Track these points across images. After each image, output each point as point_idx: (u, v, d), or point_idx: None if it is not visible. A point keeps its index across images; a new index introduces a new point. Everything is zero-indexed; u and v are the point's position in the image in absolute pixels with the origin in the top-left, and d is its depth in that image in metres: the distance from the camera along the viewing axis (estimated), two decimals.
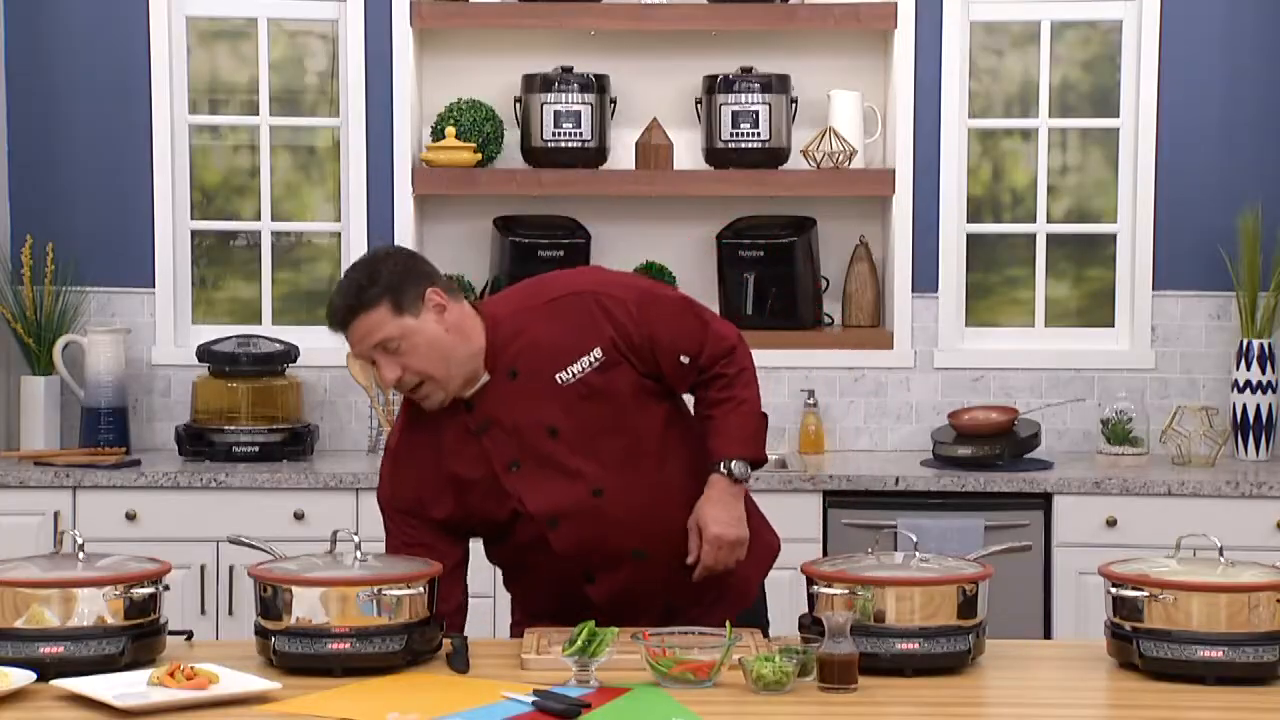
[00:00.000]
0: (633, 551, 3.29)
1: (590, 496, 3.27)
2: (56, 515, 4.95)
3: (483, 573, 3.54)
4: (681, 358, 3.32)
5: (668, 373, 3.33)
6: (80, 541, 3.11)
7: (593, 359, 3.27)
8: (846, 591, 3.01)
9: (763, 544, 3.47)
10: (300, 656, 2.95)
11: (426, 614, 3.04)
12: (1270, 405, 5.34)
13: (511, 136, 5.48)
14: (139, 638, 2.98)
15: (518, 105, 5.45)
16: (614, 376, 3.28)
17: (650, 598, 3.32)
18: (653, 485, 3.29)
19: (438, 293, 3.21)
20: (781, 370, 5.47)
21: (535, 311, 3.30)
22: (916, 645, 2.96)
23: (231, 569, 4.91)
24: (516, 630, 3.45)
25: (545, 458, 3.26)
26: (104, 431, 5.28)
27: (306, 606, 2.96)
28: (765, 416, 3.41)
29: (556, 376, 3.26)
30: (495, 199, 5.46)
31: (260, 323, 5.56)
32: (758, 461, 3.36)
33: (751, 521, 3.38)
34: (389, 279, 3.18)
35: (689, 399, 3.43)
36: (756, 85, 5.36)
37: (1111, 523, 4.94)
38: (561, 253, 5.33)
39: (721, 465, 3.29)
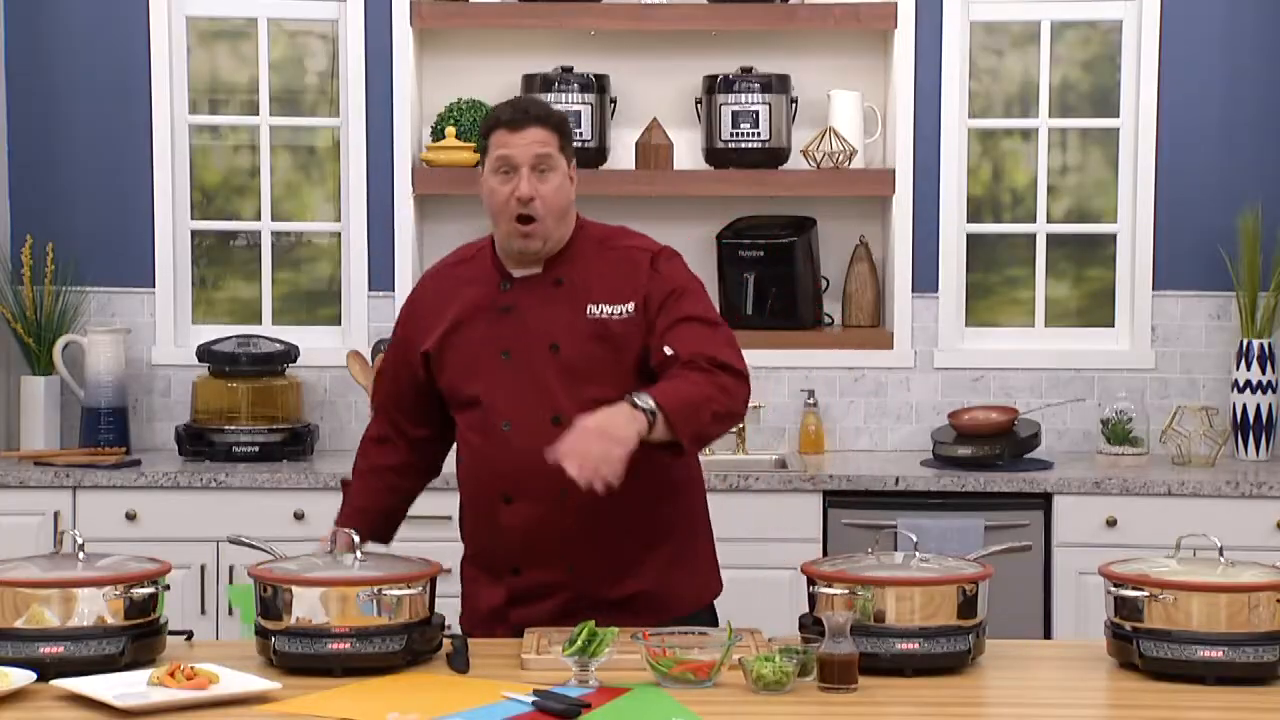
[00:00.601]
0: (560, 491, 3.19)
1: (549, 419, 3.28)
2: (56, 515, 4.95)
3: None
4: (666, 348, 3.30)
5: (653, 357, 3.30)
6: (80, 541, 3.11)
7: (625, 310, 3.33)
8: (846, 591, 3.01)
9: (701, 578, 3.46)
10: (300, 656, 2.95)
11: (426, 614, 3.04)
12: (1270, 405, 5.34)
13: None
14: (139, 638, 2.98)
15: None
16: (632, 335, 3.32)
17: (556, 544, 3.29)
18: None
19: (575, 170, 3.40)
20: (781, 370, 5.47)
21: (606, 250, 3.41)
22: (916, 645, 2.96)
23: (231, 569, 4.91)
24: (464, 610, 3.44)
25: (531, 366, 3.31)
26: (104, 431, 5.28)
27: (306, 606, 2.96)
28: (716, 418, 3.21)
29: (588, 307, 3.33)
30: None
31: (260, 323, 5.57)
32: (672, 419, 3.12)
33: (702, 559, 3.45)
34: (568, 126, 3.42)
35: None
36: (756, 85, 5.37)
37: (1111, 523, 4.94)
38: None
39: (633, 395, 3.14)
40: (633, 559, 3.36)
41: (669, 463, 3.32)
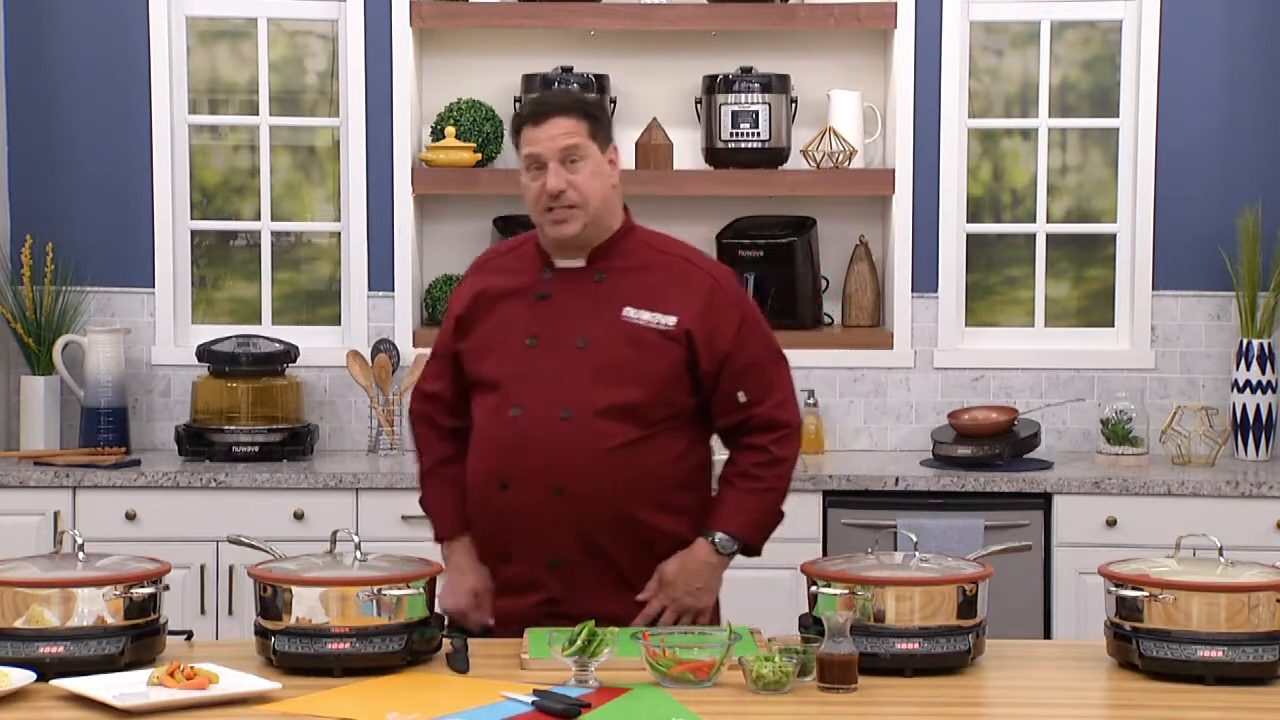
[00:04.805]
0: (555, 486, 3.29)
1: (559, 413, 3.29)
2: (56, 515, 4.95)
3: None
4: (740, 394, 3.37)
5: (719, 394, 3.37)
6: (80, 541, 3.11)
7: (663, 322, 3.33)
8: (846, 591, 3.01)
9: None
10: (300, 656, 2.95)
11: (426, 614, 3.04)
12: (1270, 405, 5.34)
13: None
14: (139, 638, 2.98)
15: (517, 105, 5.44)
16: (665, 349, 3.32)
17: (545, 538, 3.29)
18: (612, 451, 3.29)
19: (616, 153, 3.38)
20: None
21: (658, 256, 3.42)
22: (916, 645, 2.96)
23: (231, 569, 4.91)
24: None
25: (555, 357, 3.31)
26: (104, 431, 5.28)
27: (306, 606, 2.96)
28: (782, 515, 3.46)
29: (625, 309, 3.32)
30: (495, 199, 5.46)
31: (260, 323, 5.56)
32: (750, 548, 3.42)
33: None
34: (598, 110, 3.38)
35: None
36: (756, 85, 5.37)
37: (1111, 523, 4.94)
38: None
39: (713, 535, 3.36)
40: (626, 572, 3.35)
41: (678, 481, 3.37)
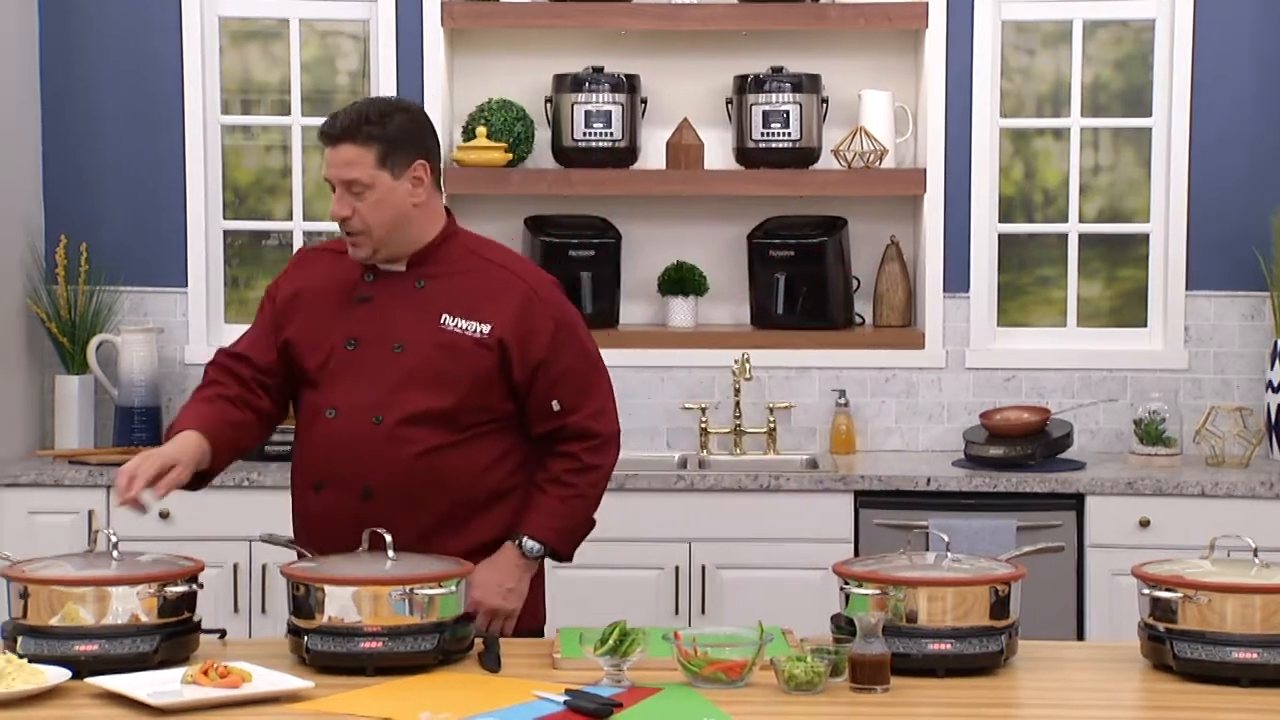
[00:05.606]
0: (363, 488, 3.31)
1: (371, 418, 3.31)
2: (91, 514, 4.97)
3: None
4: (554, 402, 3.37)
5: (532, 402, 3.37)
6: (114, 540, 3.13)
7: (478, 329, 3.33)
8: (878, 592, 3.00)
9: (526, 614, 3.46)
10: (333, 655, 2.96)
11: (459, 613, 3.04)
12: None
13: (542, 136, 5.48)
14: (172, 636, 2.99)
15: (548, 105, 5.45)
16: (479, 356, 3.32)
17: (356, 542, 3.22)
18: (417, 457, 3.31)
19: (425, 168, 3.33)
20: (812, 370, 5.47)
21: (480, 263, 3.40)
22: (949, 646, 2.96)
23: (264, 568, 4.92)
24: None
25: (372, 361, 3.32)
26: (137, 430, 5.30)
27: (339, 605, 2.97)
28: (593, 523, 3.45)
29: (443, 316, 3.33)
30: (526, 199, 5.46)
31: None
32: (558, 555, 3.42)
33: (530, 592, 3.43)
34: (394, 131, 3.30)
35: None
36: (787, 85, 5.36)
37: (1145, 523, 4.92)
38: (592, 252, 5.34)
39: (521, 540, 3.36)
40: None
41: (494, 487, 3.37)
